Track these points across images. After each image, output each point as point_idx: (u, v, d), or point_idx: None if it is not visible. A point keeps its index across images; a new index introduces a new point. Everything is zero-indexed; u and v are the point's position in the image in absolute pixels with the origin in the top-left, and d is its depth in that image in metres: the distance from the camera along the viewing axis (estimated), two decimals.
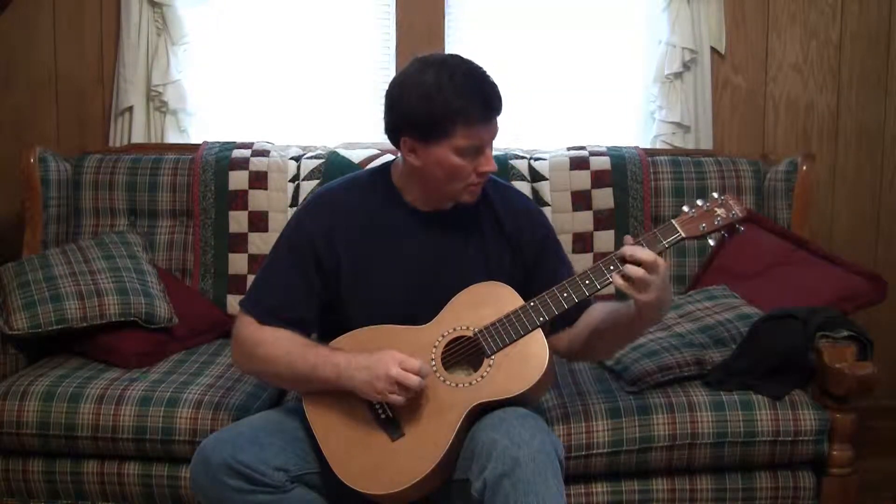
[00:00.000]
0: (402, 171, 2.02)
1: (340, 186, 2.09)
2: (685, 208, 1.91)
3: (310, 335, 2.03)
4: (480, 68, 1.92)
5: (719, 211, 1.88)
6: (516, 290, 1.96)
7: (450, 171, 1.91)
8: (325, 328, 2.05)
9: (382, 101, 1.96)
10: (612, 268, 1.87)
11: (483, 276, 1.99)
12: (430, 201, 2.01)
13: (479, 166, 1.92)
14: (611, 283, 1.87)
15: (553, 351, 1.92)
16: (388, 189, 2.04)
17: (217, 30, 3.19)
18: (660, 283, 1.80)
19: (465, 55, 1.95)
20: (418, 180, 1.98)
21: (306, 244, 2.00)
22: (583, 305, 1.99)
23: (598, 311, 2.01)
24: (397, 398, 1.85)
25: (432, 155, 1.90)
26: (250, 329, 1.98)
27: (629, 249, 1.81)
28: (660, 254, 1.83)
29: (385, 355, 1.87)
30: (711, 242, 1.92)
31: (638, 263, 1.79)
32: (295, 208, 2.80)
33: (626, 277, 1.81)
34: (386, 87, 1.96)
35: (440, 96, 1.85)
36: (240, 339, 2.00)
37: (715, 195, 1.92)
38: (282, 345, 1.95)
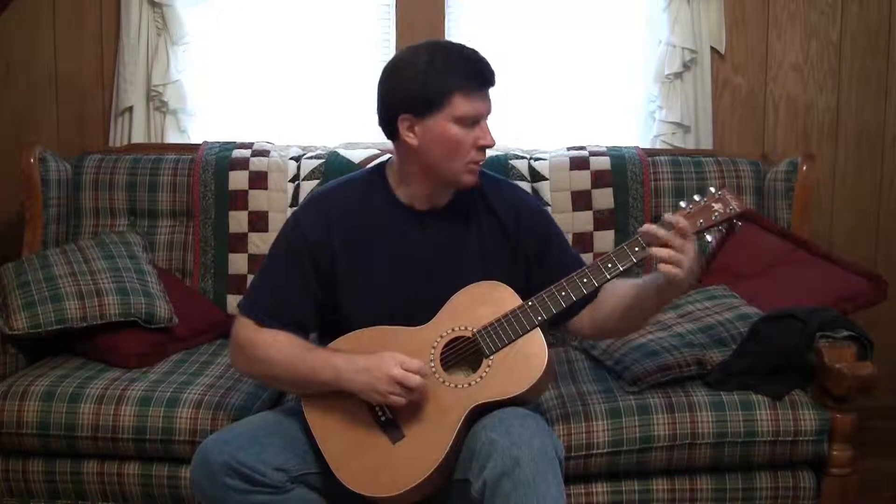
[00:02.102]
0: (397, 168, 2.02)
1: (337, 187, 2.10)
2: (682, 203, 1.90)
3: (308, 336, 2.03)
4: (471, 47, 1.96)
5: (716, 206, 1.87)
6: (517, 286, 1.96)
7: (449, 145, 1.91)
8: (324, 329, 2.05)
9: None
10: (609, 266, 1.88)
11: (481, 274, 1.98)
12: (428, 195, 2.01)
13: (477, 139, 1.93)
14: (610, 281, 1.88)
15: (576, 333, 1.91)
16: (384, 188, 2.04)
17: (217, 30, 3.19)
18: (692, 253, 1.83)
19: None
20: (416, 166, 1.97)
21: (303, 245, 1.99)
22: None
23: (620, 284, 1.98)
24: (399, 399, 1.85)
25: (431, 129, 1.91)
26: (249, 331, 1.98)
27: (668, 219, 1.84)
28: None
29: (385, 356, 1.87)
30: (709, 238, 1.91)
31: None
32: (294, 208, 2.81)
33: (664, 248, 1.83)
34: None
35: (435, 69, 1.89)
36: (238, 341, 2.00)
37: (712, 190, 1.91)
38: (281, 347, 1.95)
